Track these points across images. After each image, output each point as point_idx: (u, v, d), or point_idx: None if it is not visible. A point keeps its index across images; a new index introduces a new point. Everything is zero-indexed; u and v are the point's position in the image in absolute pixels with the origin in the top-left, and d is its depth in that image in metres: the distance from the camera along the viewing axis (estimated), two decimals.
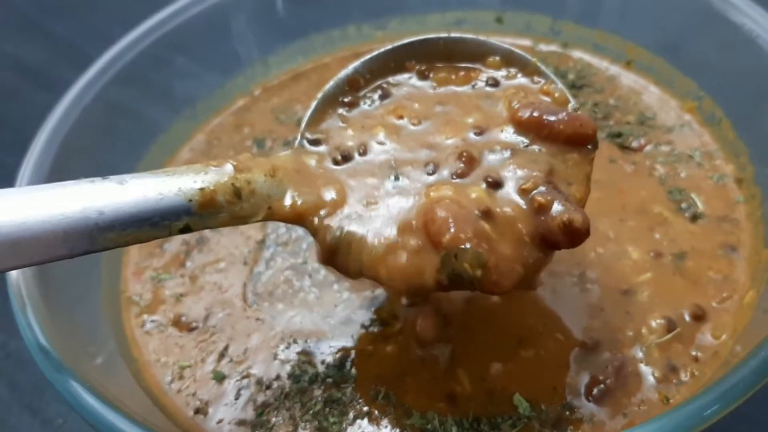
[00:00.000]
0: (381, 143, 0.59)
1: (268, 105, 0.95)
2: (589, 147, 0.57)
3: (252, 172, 0.56)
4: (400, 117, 0.61)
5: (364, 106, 0.63)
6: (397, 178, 0.57)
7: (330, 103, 0.63)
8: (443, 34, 0.65)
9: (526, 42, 0.96)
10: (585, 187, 0.57)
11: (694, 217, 0.73)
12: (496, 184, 0.55)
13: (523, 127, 0.58)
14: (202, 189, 0.53)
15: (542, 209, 0.52)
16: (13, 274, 0.63)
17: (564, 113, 0.57)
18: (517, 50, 0.63)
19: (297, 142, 0.61)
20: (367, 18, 1.00)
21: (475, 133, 0.58)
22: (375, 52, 0.64)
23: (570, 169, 0.56)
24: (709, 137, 0.81)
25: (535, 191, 0.53)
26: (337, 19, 1.00)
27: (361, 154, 0.59)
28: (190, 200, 0.52)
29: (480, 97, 0.62)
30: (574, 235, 0.51)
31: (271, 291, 0.73)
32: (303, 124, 0.62)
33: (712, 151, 0.79)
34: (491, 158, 0.56)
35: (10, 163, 0.76)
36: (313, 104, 0.63)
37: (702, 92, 0.83)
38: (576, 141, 0.57)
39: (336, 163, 0.59)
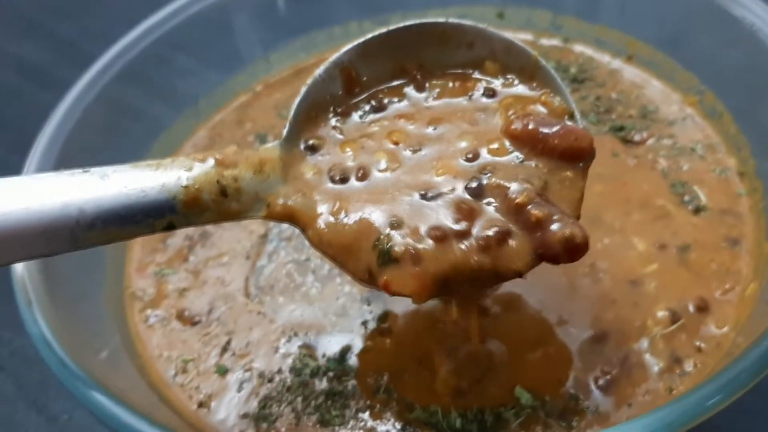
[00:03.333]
0: (382, 170, 0.56)
1: (270, 101, 0.95)
2: (581, 165, 0.55)
3: (238, 168, 0.54)
4: (396, 143, 0.58)
5: (356, 116, 0.61)
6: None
7: (322, 99, 0.61)
8: (441, 19, 0.62)
9: (528, 36, 0.96)
10: (578, 204, 0.55)
11: (697, 210, 0.73)
12: (505, 235, 0.51)
13: (517, 140, 0.56)
14: (186, 187, 0.51)
15: (539, 224, 0.50)
16: (18, 271, 0.63)
17: (559, 126, 0.55)
18: (517, 42, 0.61)
19: (286, 131, 0.59)
20: (369, 14, 1.00)
21: (468, 159, 0.56)
22: (369, 35, 0.62)
23: (566, 190, 0.54)
24: (711, 130, 0.81)
25: (529, 206, 0.51)
26: (339, 16, 1.00)
27: (359, 179, 0.56)
28: (174, 198, 0.51)
29: (476, 110, 0.60)
30: (575, 250, 0.50)
31: (272, 285, 0.73)
32: (292, 112, 0.59)
33: (714, 145, 0.79)
34: (486, 202, 0.53)
35: (13, 162, 0.76)
36: (303, 90, 0.60)
37: (703, 86, 0.83)
38: (572, 156, 0.54)
39: (333, 181, 0.56)
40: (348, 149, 0.58)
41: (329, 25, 1.00)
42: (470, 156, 0.56)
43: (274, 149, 0.57)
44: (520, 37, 0.61)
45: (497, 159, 0.55)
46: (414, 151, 0.57)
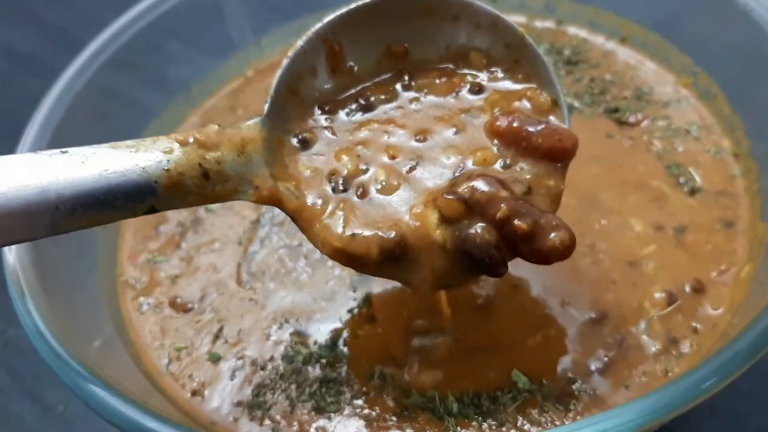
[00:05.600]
0: (379, 191, 0.55)
1: (262, 86, 0.94)
2: (559, 165, 0.54)
3: (221, 149, 0.53)
4: (393, 157, 0.57)
5: (343, 114, 0.59)
6: None
7: (306, 77, 0.59)
8: None
9: (521, 19, 0.95)
10: (557, 205, 0.55)
11: (692, 192, 0.73)
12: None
13: (501, 137, 0.55)
14: (167, 170, 0.50)
15: (526, 236, 0.50)
16: (11, 261, 0.63)
17: (543, 125, 0.54)
18: (503, 17, 0.59)
19: (267, 106, 0.57)
20: None
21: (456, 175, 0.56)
22: (352, 5, 0.59)
23: (549, 198, 0.54)
24: (705, 111, 0.81)
25: (514, 219, 0.50)
26: (331, 0, 0.99)
27: (359, 197, 0.55)
28: (156, 182, 0.49)
29: (461, 111, 0.59)
30: (566, 252, 0.50)
31: (264, 271, 0.73)
32: (273, 86, 0.58)
33: (709, 126, 0.79)
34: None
35: (3, 151, 0.76)
36: (285, 62, 0.58)
37: (697, 68, 0.83)
38: (554, 156, 0.54)
39: (335, 191, 0.55)
40: (344, 157, 0.57)
41: (321, 9, 0.99)
42: (458, 175, 0.55)
43: (255, 127, 0.56)
44: (513, 20, 0.60)
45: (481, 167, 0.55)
46: (409, 170, 0.56)
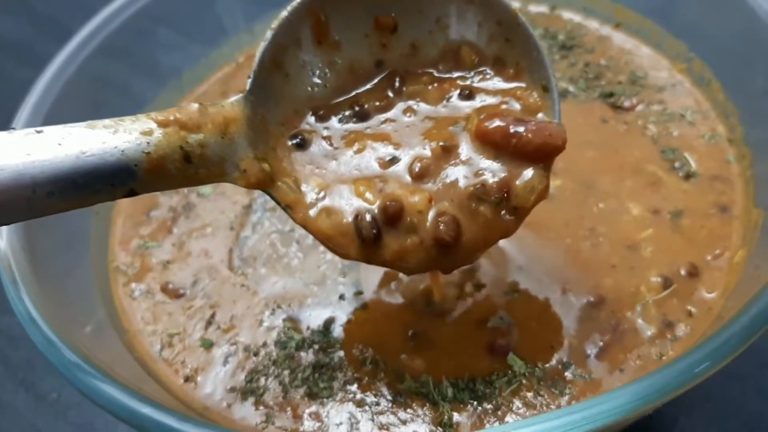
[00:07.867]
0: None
1: None
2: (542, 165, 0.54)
3: (203, 131, 0.50)
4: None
5: (335, 120, 0.57)
6: None
7: (291, 50, 0.56)
8: None
9: (515, 4, 0.95)
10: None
11: (688, 176, 0.73)
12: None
13: (490, 138, 0.54)
14: (148, 153, 0.48)
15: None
16: (2, 248, 0.62)
17: (532, 122, 0.54)
18: None
19: (250, 82, 0.54)
20: None
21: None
22: None
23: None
24: (700, 96, 0.80)
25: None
26: None
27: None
28: (136, 165, 0.48)
29: (451, 123, 0.57)
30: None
31: (256, 256, 0.72)
32: (257, 59, 0.55)
33: (704, 111, 0.79)
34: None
35: None
36: (269, 35, 0.55)
37: (692, 54, 0.83)
38: (544, 153, 0.53)
39: (360, 235, 0.53)
40: (362, 188, 0.55)
41: None
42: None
43: (238, 105, 0.53)
44: None
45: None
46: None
